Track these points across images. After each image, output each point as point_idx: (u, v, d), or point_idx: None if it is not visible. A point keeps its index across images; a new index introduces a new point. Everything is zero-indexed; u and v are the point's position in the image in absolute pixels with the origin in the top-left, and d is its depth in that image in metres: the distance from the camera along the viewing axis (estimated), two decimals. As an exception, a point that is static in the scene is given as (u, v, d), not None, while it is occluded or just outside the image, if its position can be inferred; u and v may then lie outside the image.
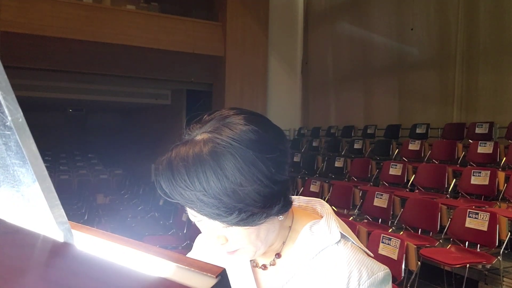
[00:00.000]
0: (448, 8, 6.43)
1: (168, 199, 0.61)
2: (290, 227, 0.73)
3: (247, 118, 0.62)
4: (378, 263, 0.70)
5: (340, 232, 0.71)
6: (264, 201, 0.59)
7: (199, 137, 0.61)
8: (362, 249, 0.72)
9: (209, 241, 0.67)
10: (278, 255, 0.73)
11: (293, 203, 0.71)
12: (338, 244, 0.70)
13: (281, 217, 0.67)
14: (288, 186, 0.65)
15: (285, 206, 0.65)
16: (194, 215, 0.63)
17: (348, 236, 0.72)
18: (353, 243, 0.72)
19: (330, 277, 0.68)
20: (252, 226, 0.62)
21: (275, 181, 0.60)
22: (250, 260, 0.75)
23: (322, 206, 0.77)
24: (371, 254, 0.72)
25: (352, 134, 7.79)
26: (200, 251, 0.85)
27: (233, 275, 0.76)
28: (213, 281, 0.28)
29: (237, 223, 0.60)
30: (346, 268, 0.68)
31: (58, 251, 0.33)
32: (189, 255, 0.86)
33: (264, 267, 0.75)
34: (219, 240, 0.65)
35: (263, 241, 0.67)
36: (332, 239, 0.70)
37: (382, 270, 0.69)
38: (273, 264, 0.74)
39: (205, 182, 0.56)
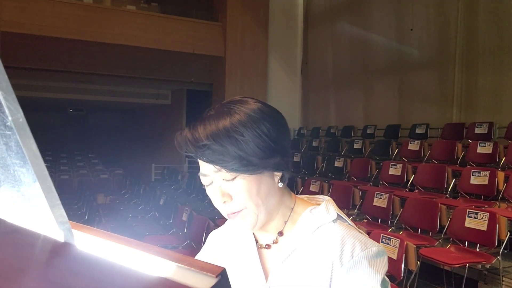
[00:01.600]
0: (448, 8, 6.43)
1: (181, 151, 0.73)
2: (292, 208, 0.81)
3: (255, 100, 0.76)
4: (373, 241, 0.74)
5: (337, 214, 0.78)
6: (262, 153, 0.71)
7: (214, 109, 0.76)
8: (359, 230, 0.76)
9: (216, 203, 0.76)
10: (280, 233, 0.80)
11: (300, 196, 0.83)
12: (334, 223, 0.77)
13: (280, 184, 0.77)
14: (286, 151, 0.75)
15: (282, 164, 0.74)
16: (204, 175, 0.74)
17: (345, 218, 0.79)
18: (350, 224, 0.78)
19: (325, 250, 0.73)
20: (251, 174, 0.71)
21: (274, 140, 0.72)
22: (256, 243, 0.83)
23: (325, 199, 0.83)
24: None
25: (352, 134, 7.78)
26: (212, 245, 0.92)
27: (241, 257, 0.83)
28: (213, 281, 0.28)
29: (237, 169, 0.70)
30: (340, 241, 0.73)
31: (59, 251, 0.33)
32: (203, 249, 0.93)
33: (268, 246, 0.81)
34: (224, 198, 0.73)
35: (264, 200, 0.74)
36: (329, 218, 0.77)
37: (376, 246, 0.72)
38: (276, 242, 0.80)
39: (217, 134, 0.69)
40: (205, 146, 0.69)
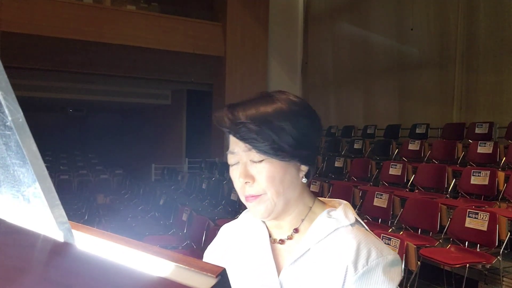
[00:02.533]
0: (448, 8, 6.43)
1: (218, 126, 0.76)
2: (310, 207, 0.81)
3: (296, 96, 0.79)
4: (389, 248, 0.74)
5: (356, 218, 0.79)
6: (294, 143, 0.73)
7: (256, 95, 0.78)
8: (375, 237, 0.77)
9: (237, 184, 0.77)
10: (296, 230, 0.80)
11: (319, 199, 0.85)
12: (352, 226, 0.76)
13: (304, 180, 0.78)
14: (313, 152, 0.78)
15: (310, 158, 0.77)
16: (232, 153, 0.76)
17: (363, 224, 0.79)
18: (367, 230, 0.78)
19: (341, 254, 0.73)
20: (280, 159, 0.73)
21: (308, 136, 0.75)
22: (270, 237, 0.82)
23: (343, 203, 0.84)
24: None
25: (352, 134, 7.78)
26: (223, 238, 0.92)
27: (253, 251, 0.82)
28: (213, 281, 0.28)
29: (267, 151, 0.72)
30: (356, 246, 0.72)
31: (59, 251, 0.33)
32: (213, 242, 0.93)
33: (282, 241, 0.81)
34: (247, 179, 0.74)
35: (285, 190, 0.75)
36: (347, 221, 0.77)
37: (392, 254, 0.72)
38: (290, 239, 0.80)
39: (256, 116, 0.72)
40: (242, 123, 0.72)
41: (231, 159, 0.77)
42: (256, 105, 0.74)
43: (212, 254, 0.91)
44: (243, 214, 0.91)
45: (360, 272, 0.69)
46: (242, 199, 0.78)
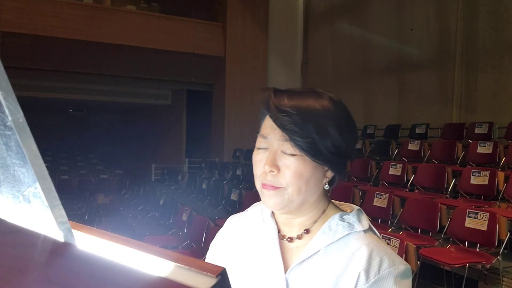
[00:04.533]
0: (448, 8, 6.43)
1: (262, 110, 0.74)
2: (324, 210, 0.79)
3: (334, 96, 0.77)
4: (401, 258, 0.73)
5: (369, 225, 0.77)
6: (332, 149, 0.71)
7: (301, 88, 0.76)
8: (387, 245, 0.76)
9: (259, 169, 0.74)
10: (307, 230, 0.78)
11: (333, 202, 0.83)
12: (365, 233, 0.75)
13: (327, 186, 0.76)
14: (346, 162, 0.76)
15: (341, 168, 0.75)
16: (265, 138, 0.73)
17: (376, 231, 0.78)
18: (379, 237, 0.77)
19: (353, 260, 0.71)
20: (313, 159, 0.71)
21: (347, 144, 0.73)
22: (278, 233, 0.80)
23: (355, 208, 0.82)
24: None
25: (352, 134, 7.77)
26: (230, 228, 0.90)
27: (261, 246, 0.80)
28: (213, 281, 0.28)
29: (304, 148, 0.69)
30: (369, 254, 0.71)
31: (59, 251, 0.33)
32: (220, 232, 0.92)
33: (290, 239, 0.79)
34: (273, 168, 0.71)
35: (306, 191, 0.73)
36: (360, 227, 0.75)
37: (403, 264, 0.71)
38: (300, 238, 0.78)
39: (303, 109, 0.70)
40: (287, 112, 0.69)
41: (261, 143, 0.74)
42: (304, 98, 0.71)
43: (219, 246, 0.90)
44: (252, 208, 0.89)
45: (372, 281, 0.68)
46: (257, 185, 0.76)
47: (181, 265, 0.30)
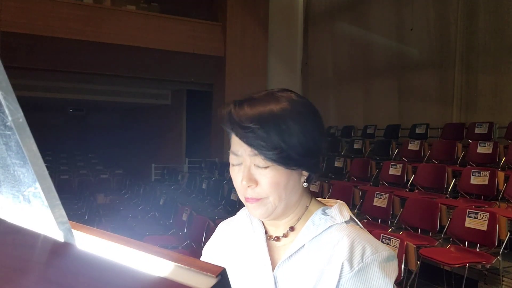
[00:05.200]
0: (448, 8, 6.43)
1: (226, 129, 0.74)
2: (307, 206, 0.81)
3: (296, 95, 0.77)
4: (384, 245, 0.74)
5: (350, 216, 0.79)
6: (302, 151, 0.71)
7: (261, 93, 0.75)
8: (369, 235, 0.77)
9: (239, 185, 0.76)
10: (291, 228, 0.81)
11: (316, 199, 0.84)
12: (346, 224, 0.77)
13: (305, 184, 0.78)
14: (319, 159, 0.76)
15: (315, 167, 0.76)
16: (236, 155, 0.74)
17: (358, 222, 0.80)
18: (361, 227, 0.78)
19: (336, 251, 0.73)
20: (285, 168, 0.71)
21: (315, 141, 0.73)
22: (266, 234, 0.83)
23: (338, 202, 0.84)
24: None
25: (352, 134, 7.78)
26: (221, 234, 0.93)
27: (249, 248, 0.83)
28: (213, 281, 0.28)
29: (275, 160, 0.70)
30: (351, 243, 0.72)
31: (59, 251, 0.33)
32: (211, 239, 0.94)
33: (277, 239, 0.81)
34: (250, 183, 0.73)
35: (287, 195, 0.75)
36: (341, 219, 0.77)
37: (387, 250, 0.72)
38: (286, 236, 0.81)
39: (264, 119, 0.69)
40: (249, 128, 0.69)
41: (234, 160, 0.75)
42: (262, 106, 0.71)
43: (210, 251, 0.92)
44: (240, 212, 0.91)
45: (356, 269, 0.69)
46: (242, 199, 0.78)
47: (181, 265, 0.30)
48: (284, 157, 0.70)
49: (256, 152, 0.71)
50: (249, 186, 0.74)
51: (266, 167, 0.72)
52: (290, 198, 0.76)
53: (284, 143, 0.69)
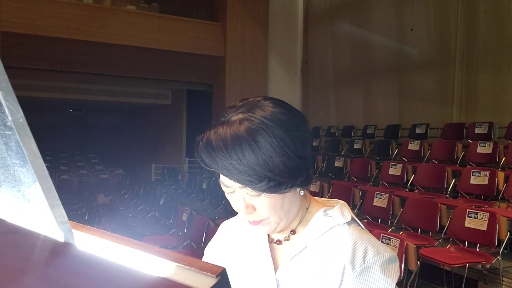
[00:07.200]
0: (448, 8, 6.43)
1: (206, 167, 0.70)
2: (307, 208, 0.81)
3: (274, 102, 0.71)
4: (386, 246, 0.74)
5: (352, 217, 0.78)
6: (289, 172, 0.68)
7: (234, 118, 0.69)
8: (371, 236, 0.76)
9: (238, 211, 0.75)
10: (293, 231, 0.80)
11: (316, 199, 0.84)
12: (348, 225, 0.76)
13: (302, 192, 0.76)
14: (309, 163, 0.72)
15: (307, 179, 0.73)
16: (226, 186, 0.72)
17: (359, 223, 0.79)
18: (363, 228, 0.78)
19: (338, 252, 0.73)
20: (278, 194, 0.70)
21: (300, 156, 0.69)
22: (268, 237, 0.83)
23: (339, 202, 0.83)
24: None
25: (352, 134, 7.78)
26: (223, 235, 0.93)
27: (252, 250, 0.83)
28: (213, 281, 0.28)
29: (265, 190, 0.68)
30: (353, 245, 0.72)
31: (59, 251, 0.33)
32: (213, 240, 0.94)
33: (279, 242, 0.82)
34: (248, 209, 0.72)
35: (286, 212, 0.74)
36: (343, 220, 0.77)
37: (388, 252, 0.72)
38: (288, 240, 0.81)
39: (240, 153, 0.65)
40: (231, 165, 0.66)
41: (226, 188, 0.74)
42: (238, 138, 0.65)
43: (213, 251, 0.92)
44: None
45: (358, 271, 0.70)
46: (244, 220, 0.78)
47: (181, 265, 0.30)
48: (273, 185, 0.67)
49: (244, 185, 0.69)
50: (247, 213, 0.73)
51: (258, 195, 0.70)
52: (290, 213, 0.75)
53: (270, 171, 0.66)
